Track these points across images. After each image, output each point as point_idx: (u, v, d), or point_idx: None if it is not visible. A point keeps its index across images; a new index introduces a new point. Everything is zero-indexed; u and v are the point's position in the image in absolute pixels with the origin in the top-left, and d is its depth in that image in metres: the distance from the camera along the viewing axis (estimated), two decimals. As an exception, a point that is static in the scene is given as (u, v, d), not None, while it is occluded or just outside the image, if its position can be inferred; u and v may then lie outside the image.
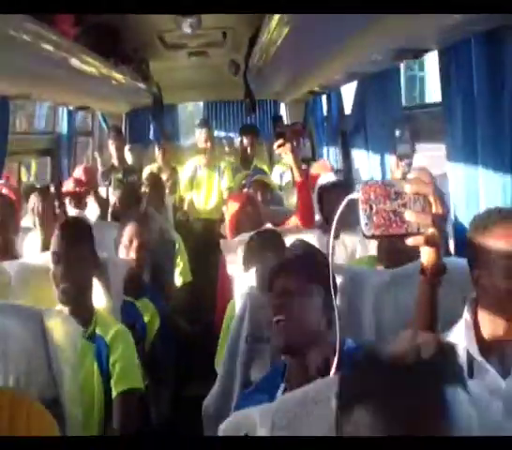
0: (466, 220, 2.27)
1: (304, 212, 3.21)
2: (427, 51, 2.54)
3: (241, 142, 5.86)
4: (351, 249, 2.93)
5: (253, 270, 2.34)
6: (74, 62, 3.05)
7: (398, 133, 3.36)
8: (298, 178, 3.23)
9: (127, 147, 5.99)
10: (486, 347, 1.64)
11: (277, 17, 2.48)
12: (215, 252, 3.54)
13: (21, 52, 2.43)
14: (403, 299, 1.92)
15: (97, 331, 2.30)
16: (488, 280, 1.64)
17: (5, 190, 3.25)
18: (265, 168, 5.80)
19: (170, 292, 3.74)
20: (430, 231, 1.21)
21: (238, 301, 2.35)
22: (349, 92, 4.54)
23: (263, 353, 1.99)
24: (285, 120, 6.55)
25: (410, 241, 1.23)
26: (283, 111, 6.92)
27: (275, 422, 1.16)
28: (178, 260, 3.98)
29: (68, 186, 4.17)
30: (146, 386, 2.46)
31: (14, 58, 2.50)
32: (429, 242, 1.24)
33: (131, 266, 3.01)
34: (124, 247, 3.09)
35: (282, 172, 5.60)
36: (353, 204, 1.20)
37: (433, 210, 1.20)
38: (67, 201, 4.00)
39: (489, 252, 1.63)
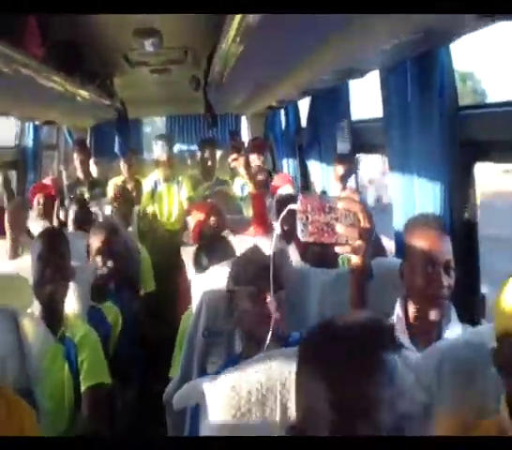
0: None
1: (258, 221, 3.42)
2: (368, 70, 2.76)
3: (201, 154, 6.00)
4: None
5: (209, 271, 2.53)
6: (40, 80, 3.18)
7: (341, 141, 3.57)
8: (253, 190, 3.43)
9: (92, 161, 6.08)
10: (413, 332, 1.92)
11: (231, 35, 2.64)
12: (177, 261, 3.66)
13: None
14: (346, 295, 2.10)
15: (67, 333, 2.43)
16: (409, 271, 1.95)
17: None
18: (228, 179, 5.95)
19: (136, 296, 3.88)
20: (357, 243, 1.42)
21: (195, 300, 2.52)
22: (306, 107, 4.77)
23: (219, 346, 2.16)
24: (246, 133, 6.74)
25: (338, 249, 1.44)
26: (244, 124, 7.12)
27: (220, 392, 1.35)
28: (142, 269, 4.12)
29: (43, 189, 4.30)
30: (113, 384, 2.58)
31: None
32: (356, 251, 1.46)
33: (98, 273, 3.17)
34: (92, 255, 3.24)
35: (243, 184, 5.76)
36: (293, 214, 1.40)
37: (361, 225, 1.41)
38: (35, 212, 4.16)
39: (411, 248, 1.94)
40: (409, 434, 0.96)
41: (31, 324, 2.07)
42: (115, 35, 3.77)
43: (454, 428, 1.38)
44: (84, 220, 4.14)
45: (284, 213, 1.45)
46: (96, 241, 3.31)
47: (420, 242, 1.92)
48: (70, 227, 4.15)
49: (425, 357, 1.58)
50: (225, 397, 1.35)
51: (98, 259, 3.28)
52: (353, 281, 1.61)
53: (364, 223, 1.42)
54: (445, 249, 1.93)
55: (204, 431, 1.39)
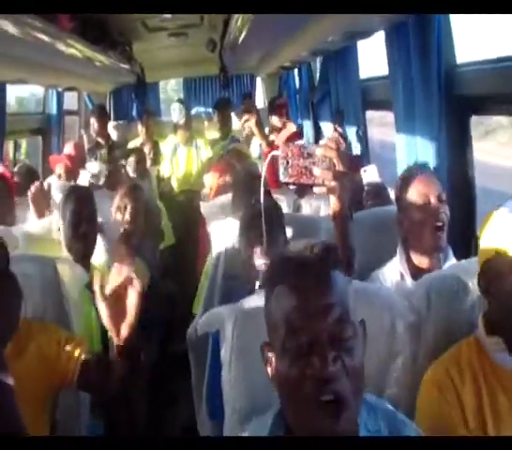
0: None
1: (271, 177, 3.55)
2: (373, 32, 2.90)
3: (217, 114, 6.09)
4: (315, 207, 3.27)
5: (227, 220, 2.71)
6: (62, 48, 3.34)
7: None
8: (265, 148, 3.57)
9: (111, 124, 6.21)
10: (413, 270, 2.13)
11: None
12: (196, 217, 3.79)
13: (15, 41, 2.69)
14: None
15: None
16: (406, 218, 2.13)
17: (2, 169, 3.44)
18: (243, 137, 6.05)
19: (156, 253, 4.06)
20: (332, 184, 1.60)
21: (215, 249, 2.71)
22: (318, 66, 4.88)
23: (236, 288, 2.35)
24: (261, 93, 6.83)
25: (316, 190, 1.63)
26: (259, 84, 7.24)
27: (237, 317, 1.55)
28: (162, 224, 4.30)
29: (61, 161, 4.49)
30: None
31: (9, 47, 2.78)
32: (332, 191, 1.64)
33: (124, 228, 3.36)
34: (118, 212, 3.44)
35: (259, 143, 5.85)
36: (276, 159, 1.61)
37: (336, 168, 1.59)
38: (60, 175, 4.36)
39: (407, 198, 2.13)
40: (345, 336, 1.11)
41: (67, 267, 2.24)
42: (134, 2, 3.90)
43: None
44: (110, 179, 4.32)
45: (268, 159, 1.65)
46: (118, 199, 3.49)
47: (415, 186, 2.11)
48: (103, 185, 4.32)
49: (416, 285, 1.78)
50: (243, 321, 1.53)
51: (119, 213, 3.45)
52: (336, 228, 1.76)
53: (338, 166, 1.60)
54: (436, 186, 2.12)
55: (224, 354, 1.58)
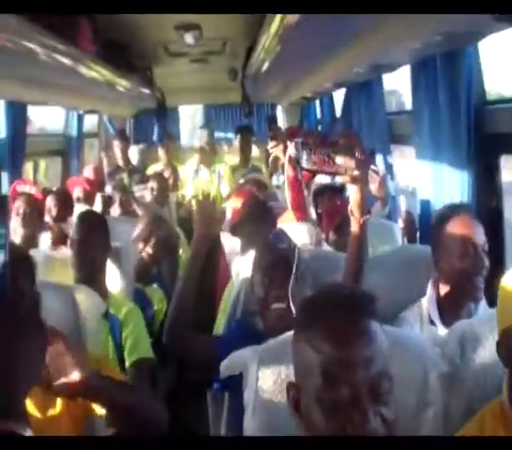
0: (430, 212, 2.65)
1: (295, 205, 3.48)
2: (399, 66, 2.89)
3: (238, 141, 6.09)
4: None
5: (250, 253, 2.65)
6: (84, 71, 3.35)
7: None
8: (290, 174, 3.53)
9: (131, 148, 6.26)
10: (444, 316, 2.03)
11: (272, 30, 2.77)
12: (215, 246, 3.79)
13: (38, 63, 2.70)
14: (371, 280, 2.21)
15: (111, 310, 2.53)
16: (446, 262, 2.02)
17: (33, 190, 3.48)
18: (262, 167, 6.04)
19: (175, 281, 4.02)
20: (355, 173, 1.61)
21: (236, 281, 2.66)
22: (340, 97, 4.87)
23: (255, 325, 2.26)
24: (281, 122, 6.85)
25: (339, 179, 1.64)
26: (280, 113, 7.25)
27: (262, 358, 1.50)
28: (180, 252, 4.27)
29: (80, 184, 4.48)
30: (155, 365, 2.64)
31: (32, 69, 2.79)
32: (354, 181, 1.64)
33: (144, 257, 3.34)
34: (140, 241, 3.42)
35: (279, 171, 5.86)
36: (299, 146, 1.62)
37: (358, 157, 1.60)
38: (78, 198, 4.34)
39: (447, 234, 2.02)
40: (383, 390, 1.07)
41: (84, 296, 2.21)
42: (156, 28, 3.93)
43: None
44: (127, 206, 4.31)
45: (292, 145, 1.65)
46: (140, 226, 3.47)
47: (457, 228, 2.01)
48: (116, 211, 4.31)
49: (449, 333, 1.72)
50: (266, 364, 1.47)
51: (141, 243, 3.45)
52: (353, 225, 1.75)
53: (360, 156, 1.60)
54: (480, 234, 2.05)
55: (247, 398, 1.52)
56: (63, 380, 1.28)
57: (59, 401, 1.63)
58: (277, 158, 4.81)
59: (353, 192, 1.69)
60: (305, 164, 1.60)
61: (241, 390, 1.54)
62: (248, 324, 2.23)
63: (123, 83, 4.42)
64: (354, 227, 1.77)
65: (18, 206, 3.30)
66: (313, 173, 2.64)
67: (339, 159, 1.58)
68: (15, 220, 3.27)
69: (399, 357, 1.33)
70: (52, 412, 1.38)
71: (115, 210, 4.32)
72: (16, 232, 3.24)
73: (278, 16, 2.43)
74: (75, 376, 1.28)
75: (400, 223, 2.98)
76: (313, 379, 1.09)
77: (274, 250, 2.09)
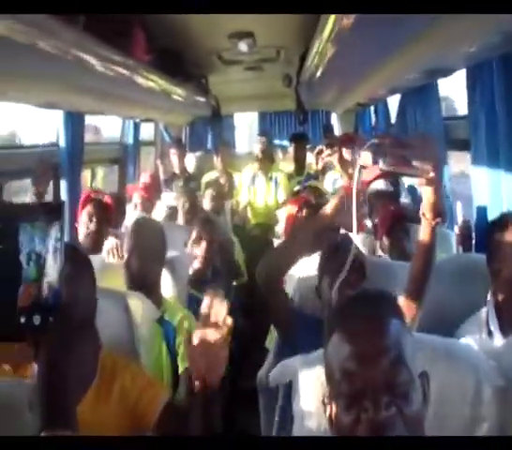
0: (487, 220, 2.58)
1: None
2: (455, 70, 2.83)
3: (293, 149, 6.10)
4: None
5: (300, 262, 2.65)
6: (140, 81, 3.42)
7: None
8: (346, 183, 3.50)
9: (187, 156, 6.30)
10: (502, 322, 1.97)
11: (325, 34, 2.77)
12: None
13: (95, 74, 2.75)
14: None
15: (166, 317, 2.54)
16: (502, 271, 1.95)
17: (106, 198, 3.54)
18: (319, 174, 6.02)
19: (230, 289, 4.02)
20: (431, 175, 1.60)
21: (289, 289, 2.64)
22: (395, 103, 4.82)
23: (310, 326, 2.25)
24: (337, 129, 6.82)
25: (415, 181, 1.60)
26: (335, 120, 7.21)
27: (311, 367, 1.48)
28: (236, 259, 4.29)
29: (138, 191, 4.55)
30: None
31: (89, 80, 2.82)
32: (431, 183, 1.63)
33: (198, 263, 3.36)
34: (192, 246, 3.44)
35: (334, 179, 5.83)
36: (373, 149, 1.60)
37: (434, 160, 1.59)
38: (137, 205, 4.40)
39: (504, 248, 1.95)
40: (399, 381, 1.08)
41: (137, 302, 2.22)
42: (211, 37, 3.97)
43: None
44: (193, 213, 4.31)
45: (367, 146, 1.63)
46: (194, 233, 3.49)
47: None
48: (180, 219, 4.36)
49: (507, 345, 1.67)
50: (316, 373, 1.46)
51: (193, 247, 3.46)
52: (425, 227, 1.74)
53: (435, 159, 1.59)
54: None
55: (297, 406, 1.52)
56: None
57: (110, 410, 1.64)
58: (329, 165, 4.79)
59: (427, 194, 1.69)
60: (382, 165, 1.59)
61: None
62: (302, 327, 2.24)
63: (178, 92, 4.48)
64: (425, 230, 1.76)
65: (90, 212, 3.39)
66: (389, 174, 2.62)
67: (416, 162, 1.57)
68: (85, 226, 3.37)
69: (448, 369, 1.31)
70: (101, 419, 1.38)
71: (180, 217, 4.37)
72: (87, 237, 3.34)
73: (332, 19, 2.42)
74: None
75: (456, 230, 2.91)
76: (333, 377, 1.13)
77: (345, 252, 2.07)
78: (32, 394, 0.97)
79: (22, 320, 0.98)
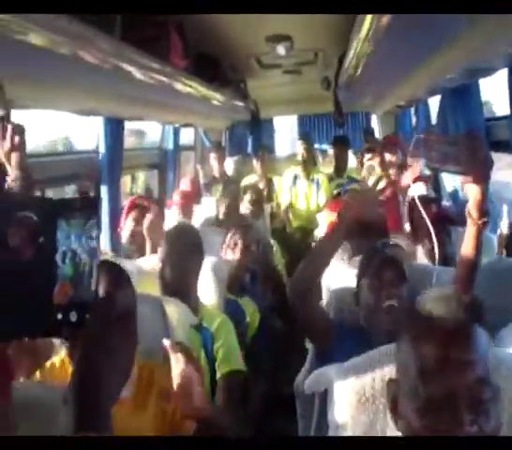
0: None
1: (391, 218, 3.42)
2: (496, 70, 2.77)
3: (334, 152, 6.08)
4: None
5: (336, 266, 2.63)
6: (179, 87, 3.44)
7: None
8: (386, 188, 3.45)
9: (227, 160, 6.33)
10: None
11: (363, 33, 2.72)
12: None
13: (133, 81, 2.78)
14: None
15: (203, 323, 2.54)
16: None
17: (146, 203, 3.56)
18: (360, 178, 5.99)
19: (267, 292, 4.02)
20: (478, 172, 1.58)
21: (326, 293, 2.63)
22: (435, 104, 4.75)
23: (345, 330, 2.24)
24: (377, 131, 6.76)
25: (458, 184, 1.59)
26: (375, 122, 7.15)
27: (347, 376, 1.46)
28: (276, 262, 4.27)
29: (178, 197, 4.56)
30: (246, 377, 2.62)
31: (128, 87, 2.87)
32: (477, 182, 1.60)
33: (234, 267, 3.34)
34: (229, 250, 3.44)
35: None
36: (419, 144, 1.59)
37: (480, 159, 1.56)
38: (176, 210, 4.42)
39: None
40: (484, 398, 1.04)
41: (173, 307, 2.22)
42: (248, 41, 3.98)
43: None
44: (232, 217, 4.31)
45: (414, 140, 1.60)
46: (229, 238, 3.49)
47: None
48: (218, 223, 4.34)
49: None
50: (350, 382, 1.45)
51: (229, 250, 3.44)
52: (470, 226, 1.71)
53: (481, 157, 1.56)
54: None
55: (331, 415, 1.50)
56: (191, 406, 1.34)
57: (147, 417, 1.64)
58: (371, 169, 4.73)
59: (473, 193, 1.65)
60: (429, 163, 1.57)
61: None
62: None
63: (217, 97, 4.49)
64: (471, 229, 1.73)
65: (135, 217, 3.45)
66: (430, 179, 2.58)
67: (461, 159, 1.54)
68: (131, 230, 3.44)
69: (506, 381, 1.27)
70: (137, 423, 1.38)
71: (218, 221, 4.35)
72: (134, 242, 3.41)
73: (368, 19, 2.39)
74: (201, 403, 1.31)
75: (504, 230, 2.87)
76: (410, 374, 1.10)
77: (383, 253, 2.18)
78: (67, 390, 0.97)
79: (59, 316, 0.99)
